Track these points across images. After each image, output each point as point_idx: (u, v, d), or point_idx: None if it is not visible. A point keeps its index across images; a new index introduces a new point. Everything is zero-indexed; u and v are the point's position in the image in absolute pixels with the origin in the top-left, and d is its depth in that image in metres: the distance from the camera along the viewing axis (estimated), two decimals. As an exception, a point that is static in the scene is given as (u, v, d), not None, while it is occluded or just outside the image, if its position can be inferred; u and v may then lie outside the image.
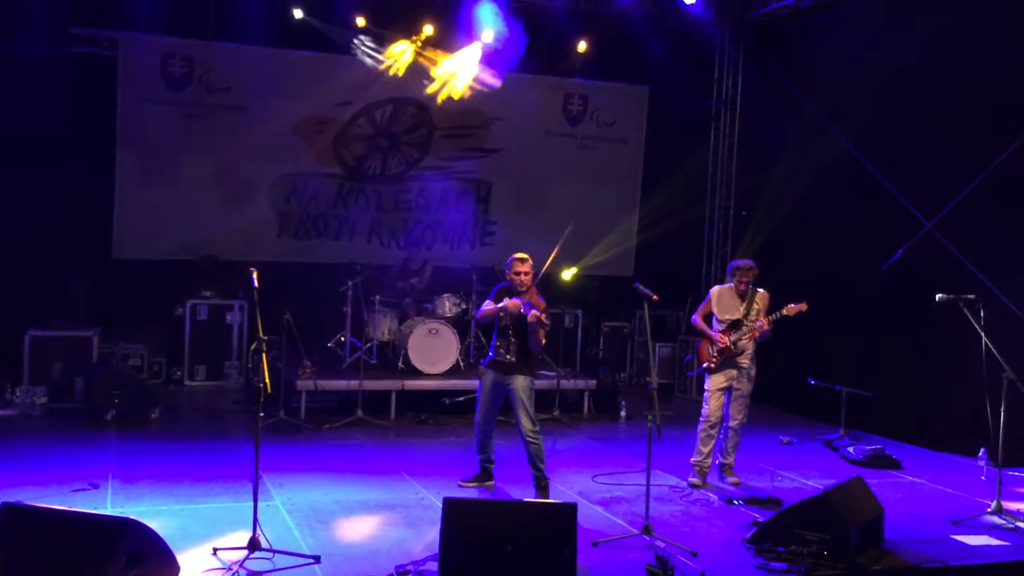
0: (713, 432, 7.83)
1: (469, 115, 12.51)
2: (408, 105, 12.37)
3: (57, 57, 10.59)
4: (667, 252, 12.93)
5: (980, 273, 8.98)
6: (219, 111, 11.59)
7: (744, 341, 7.76)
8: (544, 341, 7.13)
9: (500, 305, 7.16)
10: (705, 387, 7.93)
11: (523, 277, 7.16)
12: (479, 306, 7.66)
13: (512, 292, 7.24)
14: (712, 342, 7.81)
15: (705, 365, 7.89)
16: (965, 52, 9.40)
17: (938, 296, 7.36)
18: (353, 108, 12.14)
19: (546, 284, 7.49)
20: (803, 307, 7.62)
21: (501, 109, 12.71)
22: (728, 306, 7.86)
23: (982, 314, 7.19)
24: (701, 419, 7.87)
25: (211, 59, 11.48)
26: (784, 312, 7.63)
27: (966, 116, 9.38)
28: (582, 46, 12.55)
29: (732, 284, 7.89)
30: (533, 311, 6.92)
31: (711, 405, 7.81)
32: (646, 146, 13.63)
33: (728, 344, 7.72)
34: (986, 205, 9.19)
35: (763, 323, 7.66)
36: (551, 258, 7.28)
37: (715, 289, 8.06)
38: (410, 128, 12.52)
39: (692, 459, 7.90)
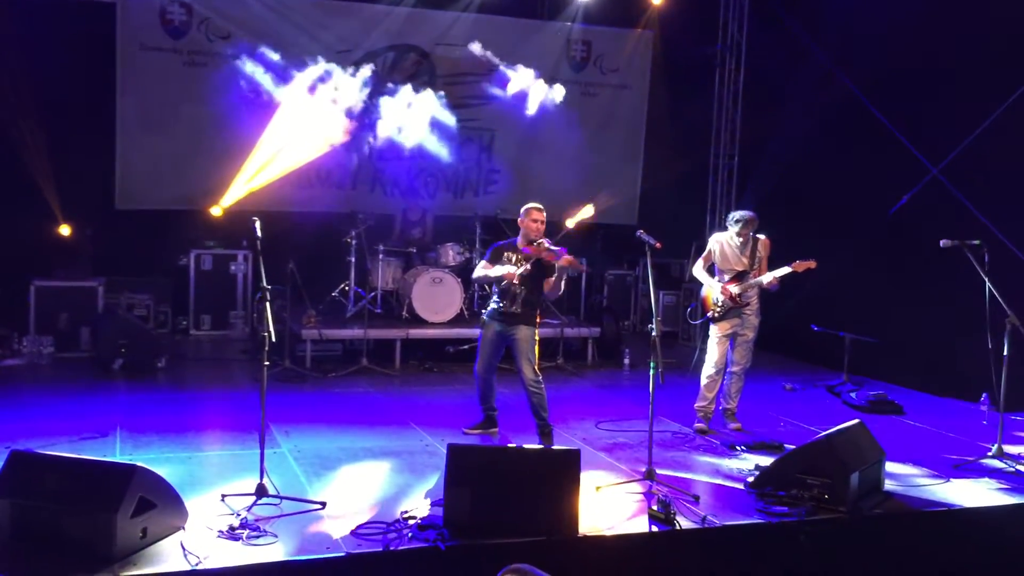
0: (717, 378, 7.87)
1: (471, 62, 12.37)
2: (410, 52, 12.24)
3: (56, 5, 10.48)
4: (670, 199, 12.88)
5: (985, 219, 8.94)
6: (219, 59, 11.48)
7: (750, 292, 7.75)
8: (562, 288, 7.17)
9: (499, 274, 7.14)
10: (709, 334, 7.95)
11: (539, 225, 7.17)
12: (482, 255, 7.65)
13: (512, 248, 7.24)
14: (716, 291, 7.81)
15: (709, 314, 7.89)
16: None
17: (943, 242, 7.34)
18: (354, 55, 12.01)
19: (550, 232, 7.46)
20: (811, 264, 7.56)
21: (504, 56, 12.56)
22: (730, 256, 7.83)
23: (986, 259, 7.17)
24: (705, 365, 7.90)
25: (210, 6, 11.35)
26: (792, 268, 7.59)
27: (973, 61, 9.27)
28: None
29: (731, 234, 7.84)
30: (566, 256, 6.94)
31: (715, 352, 7.83)
32: (650, 92, 13.50)
33: (733, 295, 7.71)
34: (992, 151, 9.12)
35: (773, 282, 7.63)
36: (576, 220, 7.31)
37: (715, 238, 8.02)
38: (412, 76, 12.39)
39: (696, 405, 7.95)
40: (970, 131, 9.28)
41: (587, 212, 7.73)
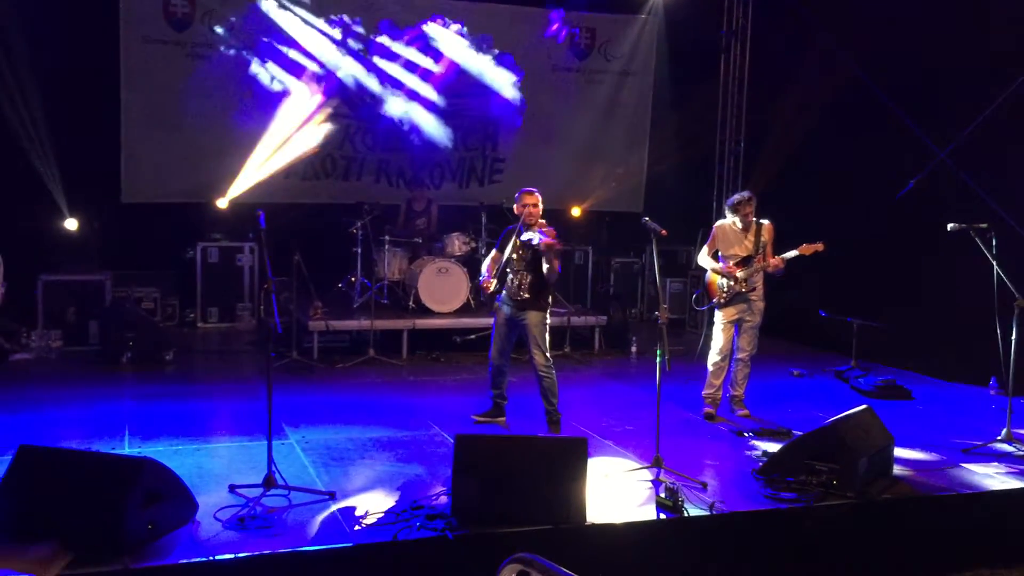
0: (724, 365, 7.85)
1: (476, 49, 12.33)
2: (415, 41, 12.19)
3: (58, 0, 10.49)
4: (676, 186, 12.85)
5: (992, 202, 8.90)
6: (223, 51, 11.47)
7: (755, 277, 7.71)
8: (559, 269, 7.15)
9: (499, 267, 7.26)
10: (715, 320, 7.93)
11: (532, 209, 7.15)
12: (488, 244, 7.66)
13: (515, 234, 7.24)
14: (723, 275, 7.78)
15: (715, 300, 7.87)
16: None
17: (950, 225, 7.31)
18: (357, 44, 11.97)
19: (555, 220, 7.47)
20: (819, 247, 7.51)
21: (507, 44, 12.53)
22: (734, 242, 7.79)
23: (994, 243, 7.14)
24: (711, 352, 7.88)
25: (212, -1, 11.37)
26: (799, 251, 7.55)
27: (979, 43, 9.22)
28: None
29: (733, 220, 7.80)
30: (543, 240, 6.94)
31: (722, 339, 7.81)
32: (655, 79, 13.46)
33: (740, 280, 7.67)
34: (999, 133, 9.07)
35: (778, 263, 7.60)
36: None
37: (718, 225, 7.99)
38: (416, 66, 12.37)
39: (703, 392, 7.94)
40: (977, 114, 9.22)
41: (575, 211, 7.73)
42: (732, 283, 7.70)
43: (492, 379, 7.49)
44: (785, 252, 7.63)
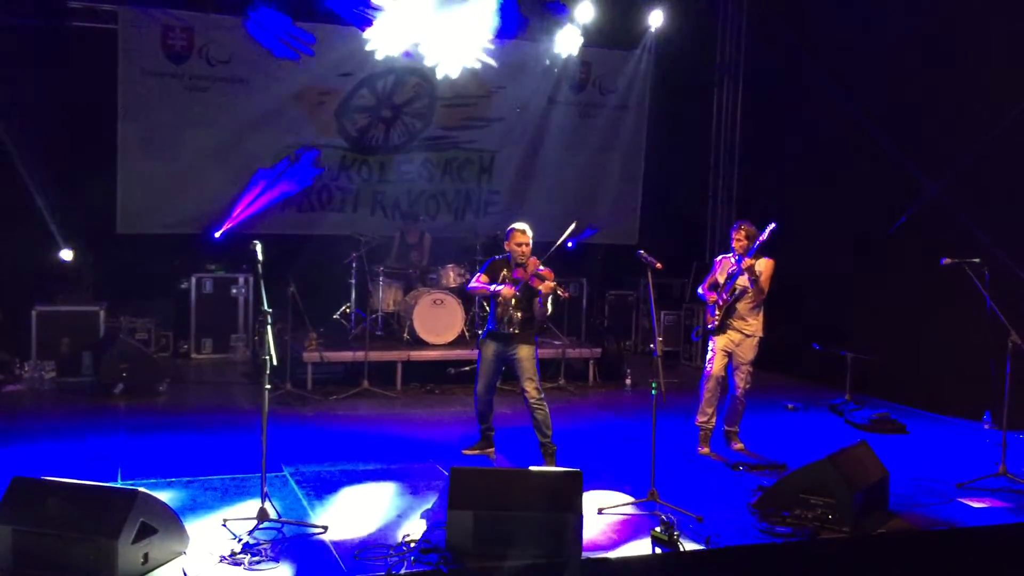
0: (717, 391, 7.79)
1: (471, 85, 12.41)
2: (410, 75, 12.28)
3: (57, 31, 10.55)
4: (671, 219, 12.90)
5: (985, 237, 8.94)
6: (220, 83, 11.53)
7: (743, 307, 7.66)
8: (551, 310, 7.13)
9: (494, 289, 7.16)
10: (709, 347, 7.91)
11: (524, 248, 7.15)
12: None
13: (508, 264, 7.24)
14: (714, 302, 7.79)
15: (709, 326, 7.85)
16: (971, 14, 9.32)
17: (943, 260, 7.34)
18: (354, 79, 12.06)
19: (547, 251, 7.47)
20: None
21: (503, 78, 12.61)
22: (729, 270, 7.81)
23: (987, 278, 7.17)
24: (703, 379, 7.85)
25: (211, 31, 11.42)
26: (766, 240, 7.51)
27: (971, 79, 9.31)
28: (584, 12, 12.37)
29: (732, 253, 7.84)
30: (547, 282, 6.95)
31: (714, 365, 7.77)
32: (649, 113, 13.56)
33: (724, 297, 7.64)
34: (992, 168, 9.14)
35: (747, 262, 7.53)
36: (555, 247, 7.35)
37: (719, 259, 8.03)
38: (412, 98, 12.44)
39: (697, 420, 7.89)
40: (970, 149, 9.30)
41: (571, 229, 7.69)
42: (715, 303, 7.70)
43: (479, 413, 7.48)
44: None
